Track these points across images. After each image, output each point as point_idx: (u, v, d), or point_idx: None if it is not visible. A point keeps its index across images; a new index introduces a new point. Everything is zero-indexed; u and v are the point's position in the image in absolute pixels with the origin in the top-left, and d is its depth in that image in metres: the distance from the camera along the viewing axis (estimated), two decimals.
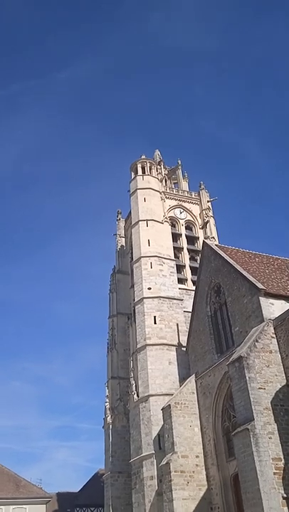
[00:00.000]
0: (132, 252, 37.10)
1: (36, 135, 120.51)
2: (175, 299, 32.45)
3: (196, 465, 23.48)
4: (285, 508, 15.82)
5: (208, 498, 22.73)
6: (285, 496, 16.01)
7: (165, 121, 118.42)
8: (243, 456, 17.13)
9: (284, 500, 15.94)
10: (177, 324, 31.12)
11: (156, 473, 25.65)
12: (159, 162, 42.23)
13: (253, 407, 17.46)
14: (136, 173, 38.93)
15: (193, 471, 23.24)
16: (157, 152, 44.77)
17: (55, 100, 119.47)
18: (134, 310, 32.95)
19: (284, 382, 18.58)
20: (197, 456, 23.72)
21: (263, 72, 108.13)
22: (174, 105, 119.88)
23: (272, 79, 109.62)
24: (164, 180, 40.80)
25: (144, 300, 31.71)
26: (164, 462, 23.59)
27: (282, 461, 16.75)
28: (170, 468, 22.85)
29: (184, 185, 44.57)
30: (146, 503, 25.57)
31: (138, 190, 37.53)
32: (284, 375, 18.78)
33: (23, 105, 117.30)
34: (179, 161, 45.91)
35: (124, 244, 44.38)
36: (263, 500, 15.65)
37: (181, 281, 34.83)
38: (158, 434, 26.62)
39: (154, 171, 39.57)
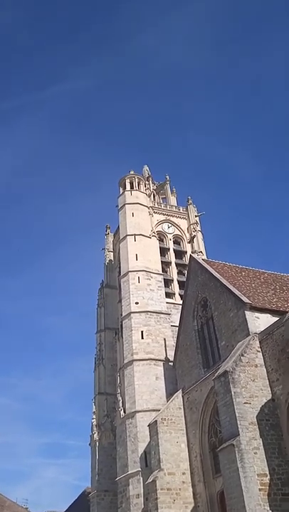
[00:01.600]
0: (120, 267, 37.10)
1: (26, 151, 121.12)
2: (162, 313, 32.39)
3: (183, 482, 23.16)
4: None
5: None
6: None
7: (154, 136, 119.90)
8: (228, 472, 16.96)
9: None
10: (164, 339, 30.99)
11: (142, 491, 25.18)
12: (148, 177, 42.60)
13: (238, 422, 17.36)
14: (124, 188, 39.20)
15: (180, 489, 22.90)
16: (146, 167, 45.20)
17: (44, 116, 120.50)
18: (122, 325, 32.77)
19: (269, 397, 18.53)
20: (184, 473, 23.42)
21: (251, 87, 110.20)
22: (163, 121, 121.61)
23: (260, 93, 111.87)
24: (152, 196, 41.12)
25: (132, 315, 31.60)
26: (150, 480, 23.23)
27: (268, 476, 16.61)
28: (156, 485, 22.52)
29: (172, 199, 44.96)
30: None
31: (126, 205, 37.74)
32: (269, 389, 18.74)
33: (12, 120, 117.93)
34: (167, 177, 46.43)
35: (112, 258, 44.38)
36: None
37: (168, 295, 34.82)
38: (144, 451, 26.23)
39: (142, 186, 39.90)
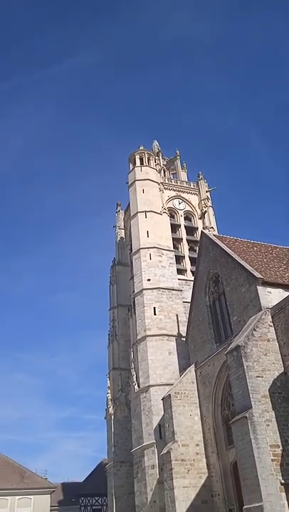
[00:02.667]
0: (131, 244, 37.12)
1: (35, 128, 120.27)
2: (174, 289, 32.50)
3: (197, 453, 23.68)
4: (283, 494, 15.93)
5: (209, 485, 22.96)
6: (282, 481, 16.11)
7: (164, 111, 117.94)
8: (241, 443, 17.24)
9: (282, 486, 16.04)
10: (177, 315, 31.22)
11: (157, 462, 25.90)
12: (158, 153, 42.10)
13: (250, 395, 17.52)
14: (134, 164, 38.82)
15: (194, 460, 23.44)
16: (156, 143, 44.62)
17: (54, 93, 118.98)
18: (134, 301, 33.05)
19: (281, 370, 18.63)
20: (197, 445, 23.92)
21: (264, 61, 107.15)
22: (174, 95, 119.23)
23: (273, 68, 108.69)
24: (162, 171, 40.70)
25: (144, 291, 31.78)
26: (164, 451, 23.80)
27: (280, 447, 16.85)
28: (171, 457, 23.06)
29: (183, 175, 44.42)
30: (148, 491, 25.86)
31: (136, 182, 37.45)
32: (281, 363, 18.81)
33: (22, 98, 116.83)
34: (178, 152, 45.70)
35: (123, 236, 44.40)
36: (261, 486, 15.76)
37: (180, 271, 34.88)
38: (159, 424, 26.84)
39: (152, 162, 39.44)
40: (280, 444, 16.92)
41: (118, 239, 44.61)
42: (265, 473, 16.06)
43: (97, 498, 44.52)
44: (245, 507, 16.37)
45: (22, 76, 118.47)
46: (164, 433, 25.66)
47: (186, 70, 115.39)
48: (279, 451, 16.76)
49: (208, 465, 23.45)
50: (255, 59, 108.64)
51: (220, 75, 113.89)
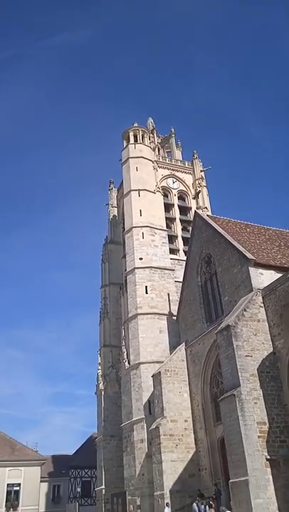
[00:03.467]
0: (124, 222, 36.94)
1: (29, 102, 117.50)
2: (166, 269, 32.60)
3: (185, 429, 24.26)
4: (268, 469, 16.44)
5: (196, 459, 23.63)
6: (268, 457, 16.61)
7: (159, 87, 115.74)
8: (229, 420, 17.65)
9: (267, 462, 16.55)
10: (168, 294, 31.41)
11: (146, 437, 26.50)
12: (152, 130, 41.50)
13: (239, 373, 17.84)
14: (128, 141, 38.28)
15: (182, 435, 24.03)
16: (150, 120, 43.93)
17: (44, 67, 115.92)
18: (126, 280, 33.14)
19: (271, 350, 18.95)
20: (186, 421, 24.48)
21: (261, 39, 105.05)
22: (169, 72, 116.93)
23: (270, 45, 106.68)
24: (156, 149, 40.22)
25: (136, 270, 31.84)
26: (153, 426, 24.34)
27: (267, 424, 17.29)
28: (160, 431, 23.62)
29: (177, 154, 43.98)
30: (137, 464, 26.54)
31: (130, 159, 37.01)
32: (271, 343, 19.13)
33: (17, 71, 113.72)
34: (173, 129, 45.22)
35: (116, 214, 44.14)
36: (247, 461, 16.23)
37: (172, 251, 34.92)
38: (148, 400, 27.34)
39: (146, 140, 38.91)
40: (266, 421, 17.36)
41: (111, 217, 44.35)
42: (252, 449, 16.52)
43: (86, 471, 45.56)
44: (231, 481, 16.90)
45: (17, 48, 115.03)
46: (153, 409, 26.18)
47: (183, 46, 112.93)
48: (265, 428, 17.21)
49: (196, 440, 24.06)
50: (254, 37, 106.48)
51: (218, 52, 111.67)
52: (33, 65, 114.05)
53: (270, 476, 16.30)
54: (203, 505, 19.38)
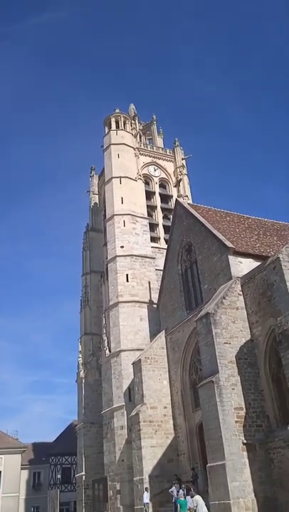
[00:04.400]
0: (105, 210, 36.70)
1: (8, 86, 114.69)
2: (147, 257, 32.62)
3: (164, 415, 24.55)
4: (245, 453, 16.77)
5: (175, 445, 23.99)
6: (244, 441, 16.94)
7: (141, 73, 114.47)
8: (207, 406, 17.90)
9: (244, 446, 16.87)
10: (149, 282, 31.48)
11: (126, 424, 26.72)
12: (134, 117, 41.08)
13: (218, 360, 18.06)
14: (109, 127, 37.86)
15: (161, 421, 24.32)
16: (132, 106, 43.48)
17: (23, 49, 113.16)
18: (107, 268, 33.05)
19: (248, 337, 19.22)
20: (165, 407, 24.77)
21: (244, 25, 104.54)
22: (151, 57, 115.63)
23: (254, 32, 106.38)
24: (138, 136, 39.90)
25: (117, 258, 31.77)
26: (133, 413, 24.55)
27: (244, 410, 17.61)
28: (139, 418, 23.84)
29: (159, 141, 43.76)
30: (117, 450, 26.79)
31: (111, 146, 36.65)
32: (249, 330, 19.39)
33: None
34: (154, 116, 44.98)
35: (97, 201, 43.82)
36: (225, 446, 16.52)
37: (154, 239, 34.93)
38: (128, 387, 27.52)
39: (128, 126, 38.55)
40: (243, 406, 17.67)
41: (92, 204, 44.01)
42: (229, 434, 16.82)
43: (66, 457, 45.86)
44: (208, 465, 17.20)
45: None
46: (133, 396, 26.38)
47: (164, 31, 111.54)
48: (242, 413, 17.52)
49: (174, 426, 24.39)
50: (237, 24, 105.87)
51: (199, 37, 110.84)
52: (12, 47, 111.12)
53: (247, 460, 16.63)
54: (181, 489, 19.72)
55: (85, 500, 31.91)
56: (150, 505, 21.63)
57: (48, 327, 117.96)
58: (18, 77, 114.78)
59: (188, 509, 16.92)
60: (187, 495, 17.51)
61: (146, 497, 21.55)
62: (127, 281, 31.04)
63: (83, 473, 32.89)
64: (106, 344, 30.59)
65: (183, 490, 18.98)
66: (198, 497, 16.44)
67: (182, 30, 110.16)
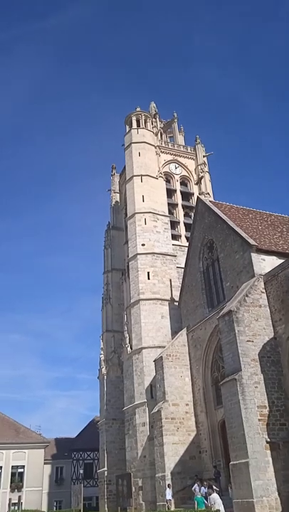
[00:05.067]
0: (126, 208, 36.85)
1: (29, 87, 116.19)
2: (168, 255, 32.65)
3: (186, 412, 24.59)
4: (268, 452, 16.69)
5: (197, 442, 24.01)
6: (268, 440, 16.84)
7: (162, 71, 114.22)
8: (230, 404, 17.87)
9: (267, 444, 16.78)
10: (170, 280, 31.51)
11: (148, 420, 26.87)
12: (155, 115, 41.08)
13: (240, 358, 18.00)
14: (130, 126, 37.98)
15: (183, 418, 24.37)
16: (153, 104, 43.44)
17: (44, 48, 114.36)
18: (128, 266, 33.22)
19: (272, 335, 19.08)
20: (187, 404, 24.80)
21: (265, 20, 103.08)
22: (172, 54, 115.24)
23: (274, 27, 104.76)
24: (159, 134, 39.91)
25: (138, 256, 31.89)
26: (155, 410, 24.67)
27: (267, 408, 17.51)
28: (161, 415, 23.95)
29: (180, 139, 43.64)
30: (139, 447, 26.97)
31: (132, 145, 36.76)
32: (272, 328, 19.24)
33: (12, 51, 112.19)
34: (175, 114, 44.80)
35: (118, 200, 44.01)
36: (248, 444, 16.48)
37: (174, 237, 34.92)
38: (150, 384, 27.65)
39: (149, 124, 38.60)
40: (267, 405, 17.56)
41: (113, 203, 44.23)
42: (252, 432, 16.75)
43: (88, 453, 46.39)
44: (231, 463, 17.16)
45: (18, 27, 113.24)
46: (155, 393, 26.49)
47: (185, 26, 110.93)
48: (266, 411, 17.42)
49: (196, 423, 24.41)
50: (257, 16, 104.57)
51: (220, 33, 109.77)
52: (31, 48, 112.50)
53: (270, 459, 16.54)
54: (203, 487, 19.74)
55: (107, 495, 32.24)
56: (172, 501, 21.73)
57: (71, 324, 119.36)
58: (41, 76, 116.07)
59: (206, 506, 16.99)
60: (210, 494, 17.53)
61: (168, 493, 21.68)
62: (148, 278, 31.14)
63: (105, 468, 33.22)
64: (128, 341, 30.79)
65: (205, 487, 19.02)
66: (215, 495, 16.49)
67: (205, 26, 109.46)
